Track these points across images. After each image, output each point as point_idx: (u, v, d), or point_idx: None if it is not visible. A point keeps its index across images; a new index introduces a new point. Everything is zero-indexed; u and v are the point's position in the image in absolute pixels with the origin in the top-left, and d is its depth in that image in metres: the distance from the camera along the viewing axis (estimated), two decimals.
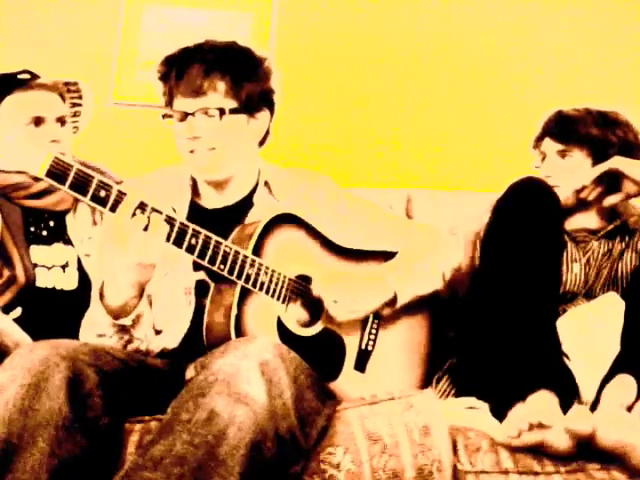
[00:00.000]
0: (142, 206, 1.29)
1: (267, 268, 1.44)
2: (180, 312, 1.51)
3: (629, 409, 1.38)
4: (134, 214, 1.28)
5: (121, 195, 1.28)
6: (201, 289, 1.50)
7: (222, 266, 1.39)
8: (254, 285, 1.43)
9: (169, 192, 1.57)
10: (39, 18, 2.63)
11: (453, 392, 1.71)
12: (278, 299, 1.47)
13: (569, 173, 1.84)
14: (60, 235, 1.82)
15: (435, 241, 1.73)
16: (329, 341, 1.56)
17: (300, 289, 1.52)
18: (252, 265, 1.42)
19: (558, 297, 1.68)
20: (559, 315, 1.64)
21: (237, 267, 1.40)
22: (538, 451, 1.33)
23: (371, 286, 1.57)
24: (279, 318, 1.48)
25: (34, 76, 1.76)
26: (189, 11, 2.66)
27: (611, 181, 1.73)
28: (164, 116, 1.51)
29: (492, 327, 1.53)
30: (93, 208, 1.54)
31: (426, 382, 1.70)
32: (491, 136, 2.62)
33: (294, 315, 1.52)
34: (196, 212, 1.56)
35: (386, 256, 1.67)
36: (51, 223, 1.82)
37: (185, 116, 1.48)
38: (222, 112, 1.47)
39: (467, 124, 2.63)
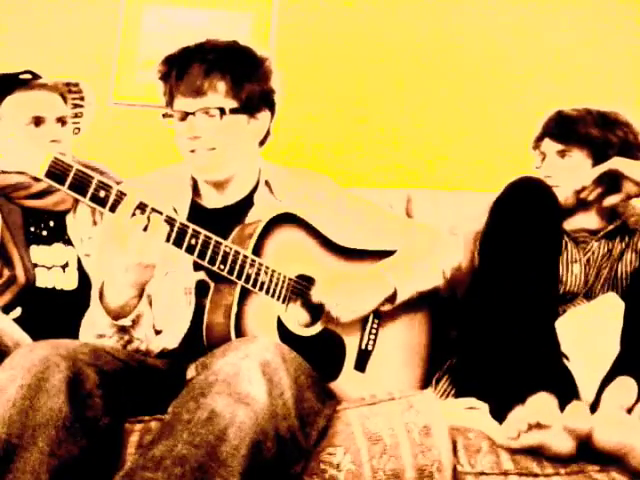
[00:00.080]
0: (142, 206, 1.29)
1: (267, 268, 1.44)
2: (180, 312, 1.51)
3: (629, 411, 1.37)
4: (134, 214, 1.28)
5: (121, 195, 1.28)
6: (201, 289, 1.50)
7: (222, 266, 1.39)
8: (254, 285, 1.42)
9: (170, 192, 1.57)
10: (39, 18, 2.63)
11: (453, 392, 1.70)
12: (278, 299, 1.47)
13: (569, 173, 1.84)
14: (60, 235, 1.82)
15: (435, 241, 1.73)
16: (329, 341, 1.56)
17: (300, 289, 1.52)
18: (252, 265, 1.42)
19: (557, 297, 1.68)
20: (559, 315, 1.63)
21: (237, 267, 1.40)
22: (538, 453, 1.33)
23: (371, 284, 1.57)
24: (279, 318, 1.48)
25: (36, 76, 1.76)
26: (189, 11, 2.66)
27: (611, 181, 1.73)
28: (164, 115, 1.51)
29: (491, 327, 1.53)
30: (93, 208, 1.53)
31: (426, 382, 1.69)
32: (491, 136, 2.62)
33: (294, 315, 1.52)
34: (197, 212, 1.56)
35: (386, 256, 1.66)
36: (51, 223, 1.82)
37: (185, 116, 1.48)
38: (222, 112, 1.47)
39: (467, 124, 2.63)
